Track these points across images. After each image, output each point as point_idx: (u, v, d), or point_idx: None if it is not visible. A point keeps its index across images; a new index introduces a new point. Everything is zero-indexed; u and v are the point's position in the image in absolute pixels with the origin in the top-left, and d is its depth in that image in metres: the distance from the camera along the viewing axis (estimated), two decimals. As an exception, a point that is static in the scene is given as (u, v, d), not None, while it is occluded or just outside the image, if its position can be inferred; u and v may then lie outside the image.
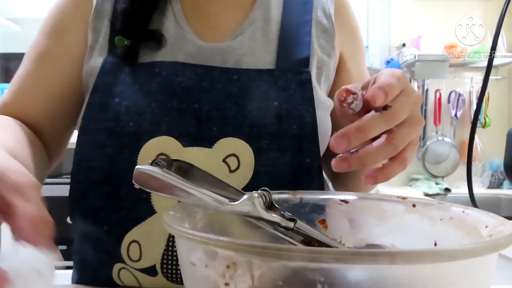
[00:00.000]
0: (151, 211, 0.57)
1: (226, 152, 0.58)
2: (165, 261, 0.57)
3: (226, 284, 0.29)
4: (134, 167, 0.56)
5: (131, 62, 0.61)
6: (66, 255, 1.90)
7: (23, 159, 0.55)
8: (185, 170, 0.40)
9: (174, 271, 0.57)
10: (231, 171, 0.58)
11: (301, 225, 0.40)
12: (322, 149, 0.63)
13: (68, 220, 0.67)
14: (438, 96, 2.39)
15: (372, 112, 0.41)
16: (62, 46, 0.65)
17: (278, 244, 0.26)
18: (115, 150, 0.57)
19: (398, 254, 0.26)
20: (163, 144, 0.57)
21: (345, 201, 0.47)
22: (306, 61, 0.64)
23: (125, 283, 0.59)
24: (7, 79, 2.53)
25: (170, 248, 0.57)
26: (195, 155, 0.57)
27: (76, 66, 0.64)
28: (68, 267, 2.13)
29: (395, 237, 0.46)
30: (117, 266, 0.59)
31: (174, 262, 0.57)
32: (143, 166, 0.38)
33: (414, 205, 0.45)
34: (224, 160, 0.58)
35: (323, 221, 0.47)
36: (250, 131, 0.58)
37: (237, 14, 0.66)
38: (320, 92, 0.66)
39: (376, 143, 0.41)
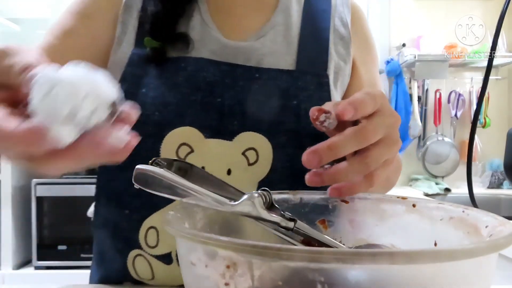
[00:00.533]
0: (170, 199, 0.58)
1: (245, 146, 0.60)
2: None
3: (226, 284, 0.29)
4: (157, 155, 0.58)
5: (159, 62, 0.63)
6: (66, 255, 1.90)
7: None
8: (185, 170, 0.40)
9: None
10: (249, 164, 0.60)
11: (301, 225, 0.40)
12: None
13: (89, 213, 0.68)
14: (438, 96, 2.39)
15: (347, 130, 0.42)
16: (88, 28, 0.66)
17: (278, 244, 0.26)
18: (140, 138, 0.59)
19: (398, 254, 0.26)
20: (186, 134, 0.59)
21: (345, 201, 0.47)
22: (324, 66, 0.67)
23: (138, 273, 0.60)
24: (7, 79, 2.52)
25: None
26: (216, 147, 0.60)
27: (98, 51, 0.66)
28: (69, 267, 2.11)
29: (395, 237, 0.46)
30: (133, 252, 0.60)
31: None
32: (143, 166, 0.38)
33: (414, 205, 0.45)
34: (243, 153, 0.60)
35: (323, 221, 0.47)
36: (269, 127, 0.61)
37: (259, 17, 0.69)
38: (336, 95, 0.68)
39: (348, 161, 0.43)
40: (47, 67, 0.28)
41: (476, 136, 2.09)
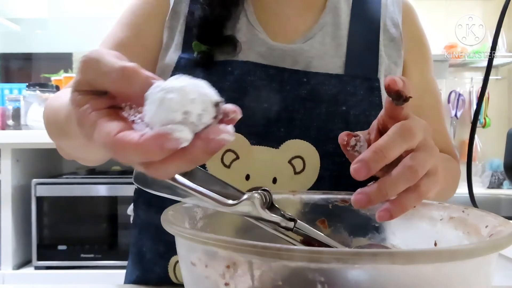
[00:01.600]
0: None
1: (292, 154, 0.59)
2: None
3: (226, 284, 0.29)
4: None
5: (207, 66, 0.62)
6: (66, 255, 1.90)
7: None
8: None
9: None
10: (296, 173, 0.59)
11: (301, 225, 0.40)
12: None
13: (128, 211, 0.68)
14: (438, 96, 2.38)
15: (398, 169, 0.39)
16: (139, 38, 0.66)
17: (278, 244, 0.26)
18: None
19: (398, 254, 0.26)
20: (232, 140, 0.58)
21: (345, 201, 0.47)
22: (374, 69, 0.65)
23: (179, 278, 0.60)
24: (7, 79, 2.52)
25: None
26: (262, 154, 0.59)
27: (149, 60, 0.66)
28: (69, 267, 2.10)
29: (395, 237, 0.46)
30: (175, 258, 0.60)
31: None
32: (143, 166, 0.37)
33: (414, 205, 0.45)
34: (289, 162, 0.59)
35: (323, 221, 0.48)
36: (317, 134, 0.59)
37: (307, 18, 0.67)
38: None
39: (394, 170, 0.39)
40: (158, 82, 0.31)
41: (476, 136, 2.08)
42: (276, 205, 0.40)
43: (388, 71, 0.67)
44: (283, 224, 0.39)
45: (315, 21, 0.67)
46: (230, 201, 0.37)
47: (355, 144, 0.43)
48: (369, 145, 0.44)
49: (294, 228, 0.39)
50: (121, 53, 0.65)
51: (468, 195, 0.72)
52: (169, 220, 0.34)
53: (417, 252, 0.26)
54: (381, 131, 0.44)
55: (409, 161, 0.39)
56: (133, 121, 0.32)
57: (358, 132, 0.44)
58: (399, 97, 0.40)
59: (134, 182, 0.38)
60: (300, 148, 0.59)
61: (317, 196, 0.48)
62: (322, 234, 0.41)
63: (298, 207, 0.48)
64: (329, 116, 0.60)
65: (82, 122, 0.33)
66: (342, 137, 0.43)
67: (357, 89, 0.62)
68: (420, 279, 0.27)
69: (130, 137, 0.29)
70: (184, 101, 0.29)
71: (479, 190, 2.23)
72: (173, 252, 0.59)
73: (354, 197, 0.39)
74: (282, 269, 0.27)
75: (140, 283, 0.63)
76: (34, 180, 1.89)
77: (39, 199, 1.90)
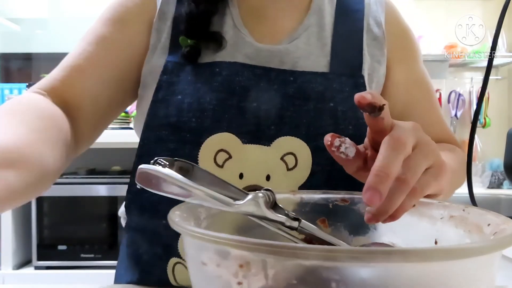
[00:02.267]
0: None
1: (284, 151, 0.60)
2: None
3: (239, 283, 0.28)
4: (195, 162, 0.58)
5: (193, 61, 0.63)
6: (66, 255, 1.90)
7: (25, 149, 0.49)
8: (187, 170, 0.40)
9: None
10: (288, 169, 0.60)
11: (306, 224, 0.40)
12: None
13: (120, 213, 0.68)
14: (438, 96, 2.39)
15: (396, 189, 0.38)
16: (121, 35, 0.66)
17: (293, 243, 0.26)
18: (177, 145, 0.59)
19: (412, 252, 0.26)
20: (224, 140, 0.59)
21: (345, 201, 0.48)
22: (358, 67, 0.66)
23: (178, 281, 0.60)
24: (7, 79, 2.52)
25: None
26: (254, 152, 0.59)
27: (130, 58, 0.66)
28: (69, 267, 2.09)
29: (394, 236, 0.46)
30: (173, 260, 0.60)
31: None
32: (146, 166, 0.38)
33: (414, 205, 0.45)
34: (282, 158, 0.60)
35: (324, 220, 0.48)
36: (307, 131, 0.60)
37: (292, 19, 0.68)
38: None
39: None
40: None
41: (476, 136, 2.08)
42: (280, 205, 0.40)
43: (372, 70, 0.68)
44: (288, 223, 0.39)
45: (299, 22, 0.68)
46: (236, 202, 0.37)
47: (340, 145, 0.43)
48: (366, 159, 0.44)
49: (299, 227, 0.39)
50: (105, 47, 0.65)
51: (468, 195, 0.72)
52: (178, 220, 0.34)
53: (430, 250, 0.26)
54: (374, 147, 0.45)
55: (399, 172, 0.39)
56: None
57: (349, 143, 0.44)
58: (373, 109, 0.41)
59: (136, 182, 0.38)
60: (292, 144, 0.60)
61: (317, 196, 0.48)
62: (327, 234, 0.41)
63: (298, 207, 0.48)
64: (318, 113, 0.61)
65: None
66: (327, 138, 0.43)
67: (343, 86, 0.63)
68: (428, 277, 0.28)
69: None
70: None
71: (479, 190, 2.24)
72: (171, 254, 0.59)
73: (366, 217, 0.40)
74: (297, 267, 0.27)
75: (140, 284, 0.63)
76: (34, 180, 1.89)
77: (39, 199, 1.90)
